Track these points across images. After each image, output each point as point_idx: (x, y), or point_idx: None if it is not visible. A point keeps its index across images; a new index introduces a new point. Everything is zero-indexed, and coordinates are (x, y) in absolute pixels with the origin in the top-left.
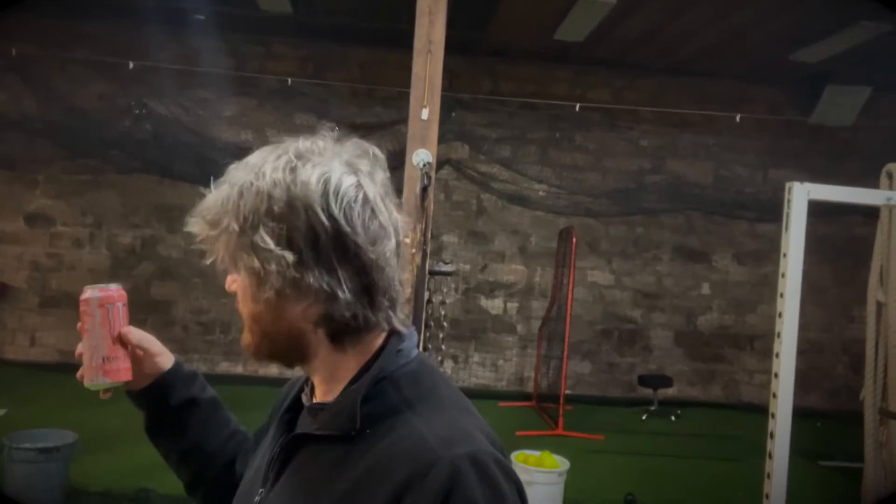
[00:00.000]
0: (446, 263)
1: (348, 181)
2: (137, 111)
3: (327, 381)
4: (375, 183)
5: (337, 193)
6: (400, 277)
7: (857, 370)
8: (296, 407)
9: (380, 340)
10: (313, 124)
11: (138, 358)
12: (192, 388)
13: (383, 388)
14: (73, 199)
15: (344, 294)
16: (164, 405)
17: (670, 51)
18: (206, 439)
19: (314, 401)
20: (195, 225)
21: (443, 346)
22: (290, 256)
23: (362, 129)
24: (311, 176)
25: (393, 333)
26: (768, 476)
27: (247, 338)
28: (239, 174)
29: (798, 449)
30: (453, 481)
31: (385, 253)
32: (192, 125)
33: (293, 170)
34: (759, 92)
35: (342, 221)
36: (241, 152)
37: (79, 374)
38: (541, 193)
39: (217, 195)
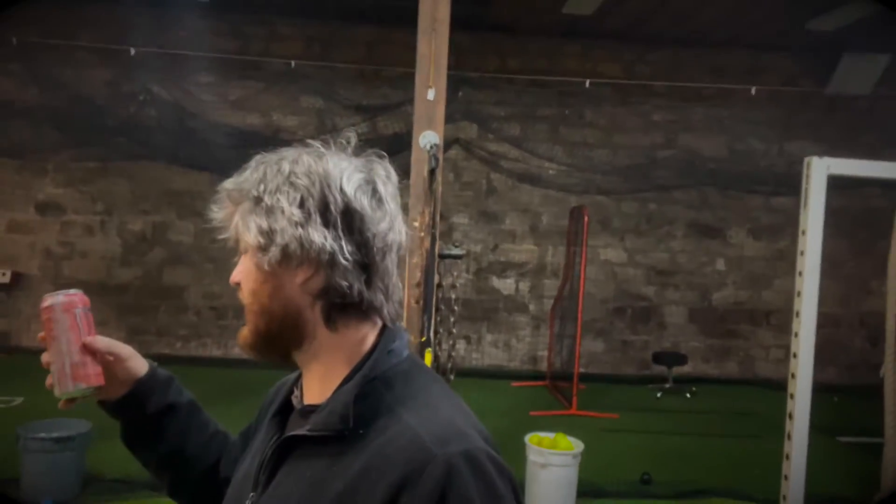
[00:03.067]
0: (456, 247)
1: (363, 175)
2: (142, 97)
3: (322, 378)
4: (386, 187)
5: (351, 178)
6: (397, 278)
7: (875, 344)
8: (286, 409)
9: (372, 337)
10: (320, 106)
11: (109, 364)
12: (170, 393)
13: (375, 388)
14: (83, 186)
15: (344, 260)
16: (141, 413)
17: (682, 21)
18: (186, 444)
19: (305, 402)
20: (218, 201)
21: (454, 330)
22: (299, 213)
23: (369, 111)
24: (331, 163)
25: (384, 330)
26: (787, 457)
27: (247, 327)
28: (264, 159)
29: (816, 425)
30: (449, 479)
31: (387, 240)
32: (196, 110)
33: (319, 157)
34: (774, 62)
35: (352, 198)
36: (247, 136)
37: (48, 382)
38: (551, 172)
39: (241, 175)
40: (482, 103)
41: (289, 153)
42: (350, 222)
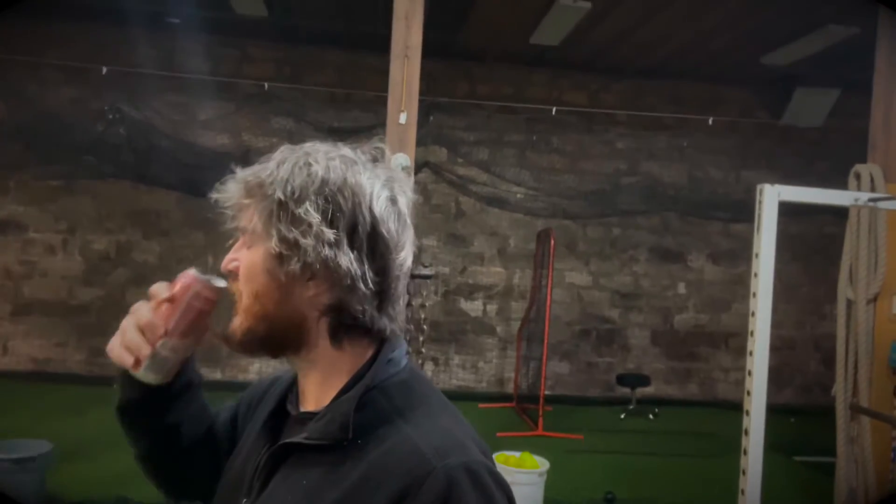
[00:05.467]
0: (426, 266)
1: (390, 192)
2: (111, 116)
3: (319, 385)
4: (406, 202)
5: (380, 197)
6: (403, 299)
7: (830, 366)
8: (279, 414)
9: (372, 349)
10: (290, 128)
11: None
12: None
13: (374, 398)
14: (46, 205)
15: (364, 287)
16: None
17: (644, 54)
18: (195, 413)
19: (301, 409)
20: (232, 188)
21: (423, 350)
22: (330, 234)
23: (340, 134)
24: (362, 175)
25: (385, 341)
26: (743, 472)
27: (239, 321)
28: (290, 154)
29: (773, 444)
30: (449, 492)
31: (404, 265)
32: (166, 130)
33: (351, 164)
34: (731, 94)
35: (380, 221)
36: (218, 157)
37: (141, 363)
38: (519, 196)
39: (263, 166)
40: (452, 128)
41: (319, 151)
42: (374, 247)
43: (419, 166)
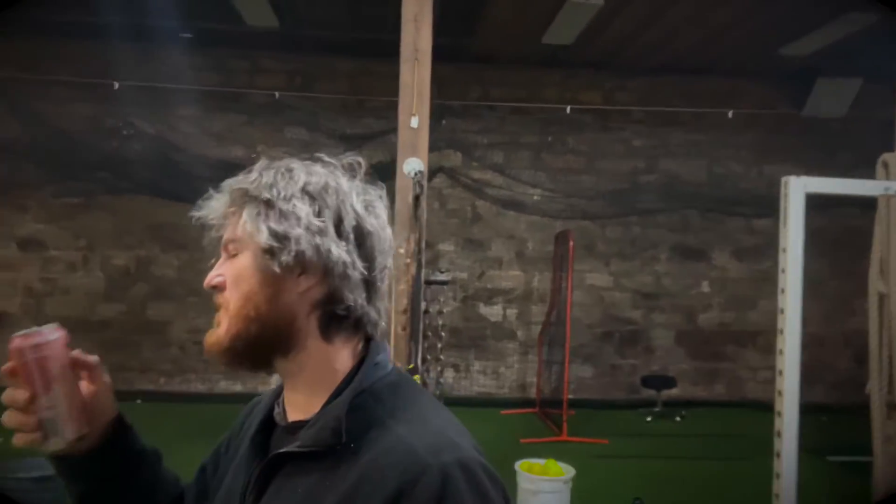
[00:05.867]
0: (442, 273)
1: (368, 195)
2: (125, 131)
3: (308, 392)
4: (384, 205)
5: (359, 197)
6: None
7: (861, 362)
8: (266, 428)
9: (358, 350)
10: (304, 138)
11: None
12: (137, 435)
13: (364, 402)
14: (65, 222)
15: (355, 273)
16: (122, 459)
17: (658, 49)
18: (155, 492)
19: (290, 419)
20: (215, 201)
21: (441, 356)
22: (317, 222)
23: (354, 140)
24: (342, 179)
25: (370, 343)
26: (777, 476)
27: (226, 327)
28: (270, 164)
29: (806, 445)
30: (444, 488)
31: (387, 263)
32: (180, 143)
33: (332, 169)
34: (750, 87)
35: (364, 217)
36: (232, 168)
37: (24, 437)
38: (535, 198)
39: (245, 177)
40: (466, 132)
41: (296, 163)
42: (361, 239)
43: (433, 171)
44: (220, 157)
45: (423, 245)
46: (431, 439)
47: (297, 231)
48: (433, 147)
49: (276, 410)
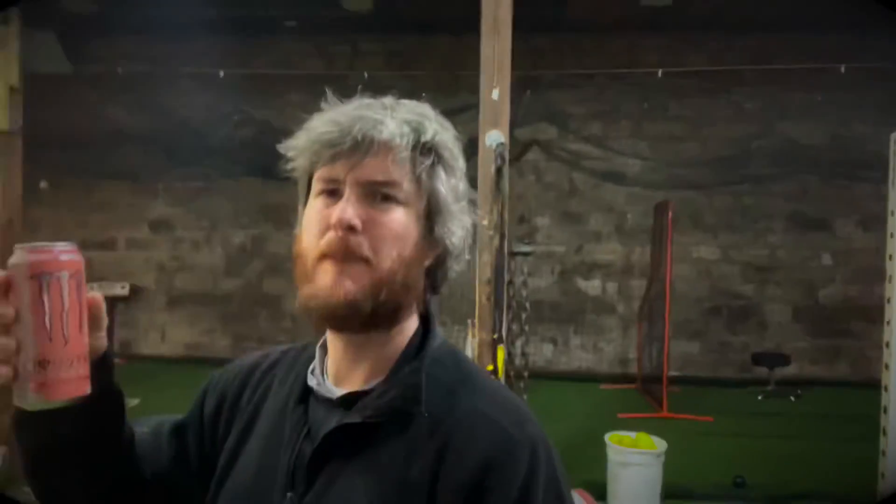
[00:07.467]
0: (526, 244)
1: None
2: (237, 117)
3: (377, 358)
4: None
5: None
6: None
7: None
8: (303, 398)
9: (416, 322)
10: None
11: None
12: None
13: (433, 369)
14: (189, 204)
15: (465, 241)
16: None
17: (767, 5)
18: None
19: (342, 389)
20: (397, 132)
21: (526, 328)
22: (463, 187)
23: (449, 115)
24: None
25: (423, 316)
26: (883, 453)
27: (359, 288)
28: (409, 106)
29: None
30: (534, 460)
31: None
32: (287, 127)
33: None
34: (874, 40)
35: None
36: None
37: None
38: (636, 168)
39: (418, 118)
40: (561, 103)
41: (412, 104)
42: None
43: (527, 145)
44: None
45: (507, 216)
46: (510, 412)
47: (451, 200)
48: (525, 121)
49: (317, 381)
